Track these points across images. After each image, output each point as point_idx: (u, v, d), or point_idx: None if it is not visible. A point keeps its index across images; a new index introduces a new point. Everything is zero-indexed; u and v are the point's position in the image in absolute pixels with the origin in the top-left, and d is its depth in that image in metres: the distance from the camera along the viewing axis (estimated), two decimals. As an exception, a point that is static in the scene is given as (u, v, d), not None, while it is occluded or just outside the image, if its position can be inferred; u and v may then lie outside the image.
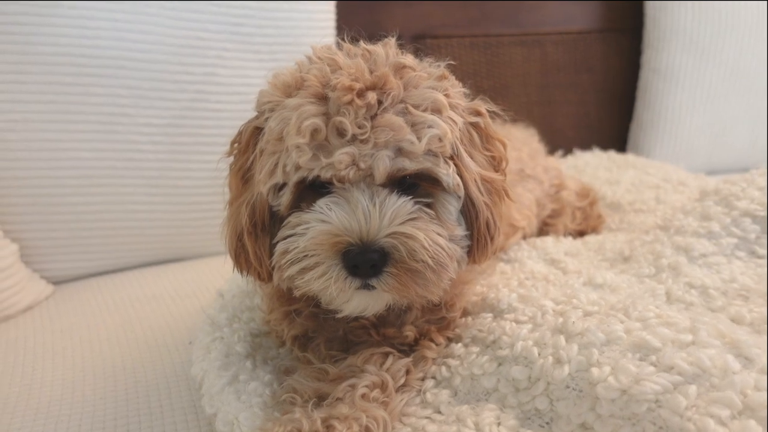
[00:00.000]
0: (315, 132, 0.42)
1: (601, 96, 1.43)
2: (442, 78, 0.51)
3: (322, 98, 0.43)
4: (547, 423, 0.40)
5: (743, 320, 0.53)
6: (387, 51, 0.50)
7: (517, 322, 0.49)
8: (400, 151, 0.43)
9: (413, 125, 0.43)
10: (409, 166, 0.44)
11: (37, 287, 0.81)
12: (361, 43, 0.52)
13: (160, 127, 0.86)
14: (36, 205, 0.81)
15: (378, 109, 0.43)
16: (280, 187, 0.44)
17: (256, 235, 0.46)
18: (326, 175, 0.43)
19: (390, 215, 0.42)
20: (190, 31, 0.85)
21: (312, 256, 0.42)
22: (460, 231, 0.46)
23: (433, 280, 0.43)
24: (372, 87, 0.43)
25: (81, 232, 0.84)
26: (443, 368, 0.49)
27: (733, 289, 0.58)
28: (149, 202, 0.87)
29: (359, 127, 0.42)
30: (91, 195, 0.84)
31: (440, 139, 0.44)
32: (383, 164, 0.43)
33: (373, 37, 1.29)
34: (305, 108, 0.42)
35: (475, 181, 0.48)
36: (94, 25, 0.81)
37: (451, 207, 0.47)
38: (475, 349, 0.49)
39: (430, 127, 0.43)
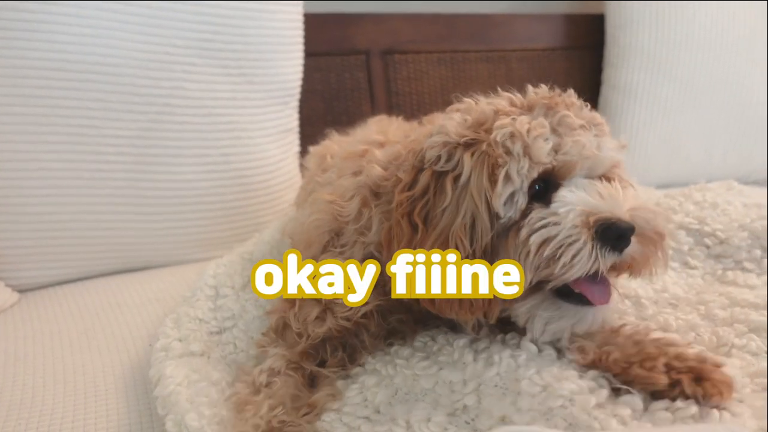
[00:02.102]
0: (542, 128, 0.47)
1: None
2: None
3: (529, 110, 0.49)
4: (473, 419, 0.43)
5: (670, 327, 0.57)
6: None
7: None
8: (609, 144, 0.50)
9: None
10: (618, 157, 0.50)
11: (2, 295, 0.82)
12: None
13: (127, 139, 0.88)
14: (2, 214, 0.82)
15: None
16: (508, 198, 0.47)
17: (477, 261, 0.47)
18: (562, 160, 0.47)
19: (621, 194, 0.47)
20: (158, 46, 0.88)
21: (571, 238, 0.45)
22: None
23: (665, 255, 0.49)
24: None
25: (47, 241, 0.86)
26: (389, 366, 0.52)
27: (664, 299, 0.63)
28: (116, 212, 0.89)
29: (579, 119, 0.48)
30: (58, 205, 0.86)
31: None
32: (608, 152, 0.49)
33: (342, 52, 1.33)
34: (522, 118, 0.48)
35: None
36: (63, 39, 0.83)
37: None
38: (421, 354, 0.52)
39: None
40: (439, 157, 0.49)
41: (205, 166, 0.94)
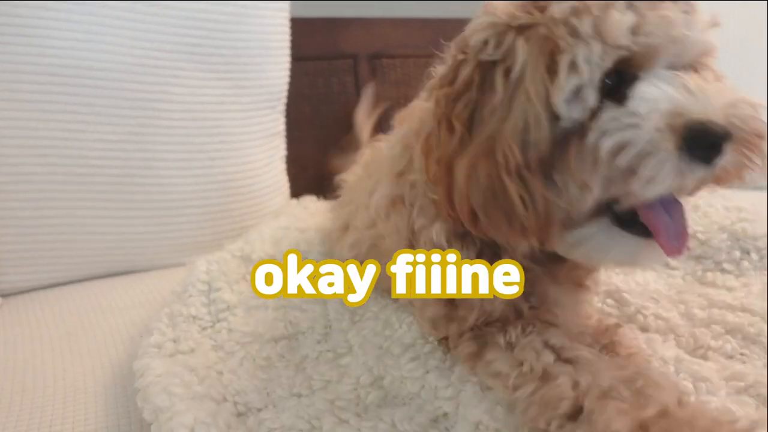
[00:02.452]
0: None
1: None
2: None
3: None
4: (451, 427, 0.43)
5: (649, 328, 0.57)
6: None
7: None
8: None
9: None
10: (709, 42, 0.40)
11: (-15, 300, 0.82)
12: None
13: (114, 143, 0.87)
14: (-15, 218, 0.82)
15: None
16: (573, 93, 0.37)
17: (530, 174, 0.37)
18: (644, 42, 0.37)
19: (711, 88, 0.37)
20: (146, 50, 0.88)
21: (653, 144, 0.35)
22: None
23: (764, 160, 0.38)
24: None
25: (31, 245, 0.86)
26: (380, 364, 0.51)
27: (647, 292, 0.63)
28: (101, 216, 0.88)
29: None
30: (43, 209, 0.85)
31: None
32: (700, 34, 0.38)
33: (330, 56, 1.33)
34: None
35: None
36: (53, 44, 0.82)
37: None
38: (410, 354, 0.53)
39: None
40: (485, 43, 0.39)
41: (190, 170, 0.94)
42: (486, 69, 0.39)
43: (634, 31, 0.37)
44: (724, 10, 1.34)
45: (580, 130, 0.38)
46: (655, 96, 0.36)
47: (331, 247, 0.78)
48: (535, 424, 0.37)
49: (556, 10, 0.37)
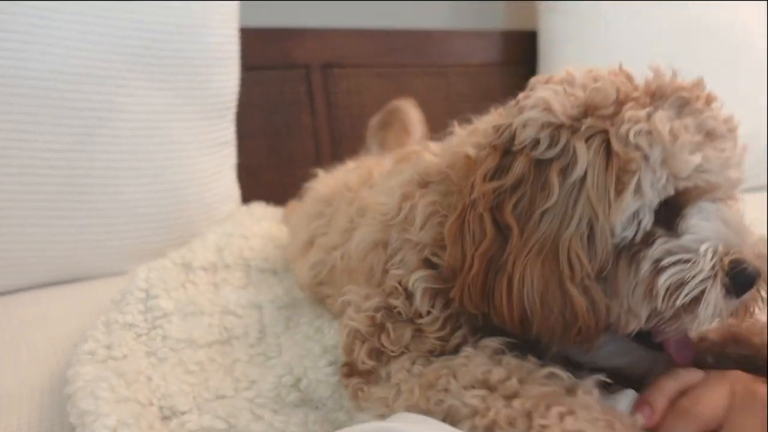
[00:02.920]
0: (685, 131, 0.37)
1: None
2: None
3: (653, 102, 0.39)
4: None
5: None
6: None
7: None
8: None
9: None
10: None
11: (-75, 310, 0.82)
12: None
13: (58, 153, 0.88)
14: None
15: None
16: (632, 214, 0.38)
17: (593, 284, 0.38)
18: (705, 180, 0.38)
19: (743, 226, 0.39)
20: (88, 61, 0.89)
21: (707, 282, 0.37)
22: None
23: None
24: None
25: (-26, 255, 0.86)
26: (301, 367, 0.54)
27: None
28: (47, 225, 0.89)
29: (723, 124, 0.39)
30: (-12, 218, 0.86)
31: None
32: (745, 166, 0.40)
33: (282, 66, 1.36)
34: (658, 114, 0.38)
35: None
36: (-7, 53, 0.83)
37: None
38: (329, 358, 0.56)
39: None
40: (538, 141, 0.39)
41: (138, 179, 0.95)
42: (541, 167, 0.39)
43: (698, 168, 0.38)
44: (651, 28, 1.42)
45: (630, 250, 0.38)
46: (707, 232, 0.38)
47: (289, 260, 0.80)
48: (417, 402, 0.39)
49: (631, 130, 0.37)
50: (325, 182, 0.79)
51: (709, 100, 0.40)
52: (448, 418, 0.36)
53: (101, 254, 0.94)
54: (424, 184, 0.48)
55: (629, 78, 0.42)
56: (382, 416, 0.40)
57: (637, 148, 0.37)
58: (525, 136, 0.40)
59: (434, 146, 0.53)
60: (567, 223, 0.38)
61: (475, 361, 0.38)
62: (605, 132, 0.38)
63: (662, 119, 0.38)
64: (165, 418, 0.49)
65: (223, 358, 0.60)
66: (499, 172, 0.40)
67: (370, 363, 0.44)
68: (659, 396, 0.39)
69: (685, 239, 0.38)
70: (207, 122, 1.03)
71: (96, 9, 0.89)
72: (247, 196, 1.18)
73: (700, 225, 0.39)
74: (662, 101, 0.39)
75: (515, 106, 0.43)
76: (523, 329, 0.39)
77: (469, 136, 0.48)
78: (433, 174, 0.47)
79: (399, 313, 0.45)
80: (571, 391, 0.36)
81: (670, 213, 0.39)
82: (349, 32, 1.37)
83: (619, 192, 0.37)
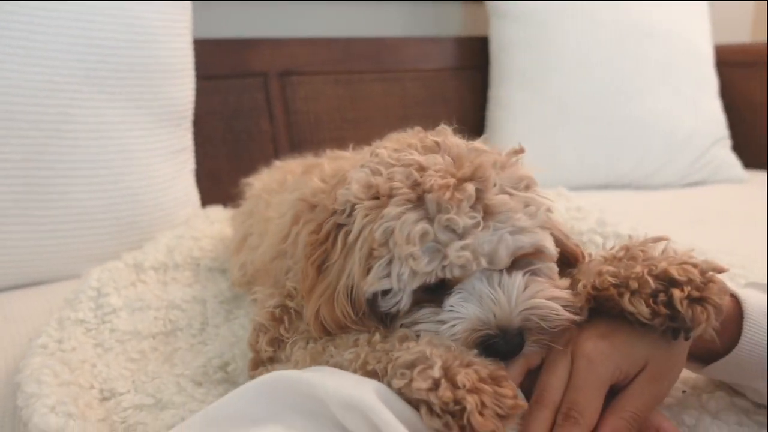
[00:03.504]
0: (424, 236, 0.42)
1: (455, 127, 1.62)
2: (517, 152, 0.51)
3: (419, 202, 0.43)
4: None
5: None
6: (453, 140, 0.51)
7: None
8: (518, 231, 0.44)
9: (524, 205, 0.45)
10: (527, 244, 0.44)
11: None
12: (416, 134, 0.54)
13: (15, 162, 0.93)
14: None
15: (478, 197, 0.43)
16: (387, 291, 0.45)
17: (361, 322, 0.47)
18: (449, 275, 0.43)
19: (515, 296, 0.43)
20: (44, 75, 0.94)
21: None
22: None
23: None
24: (469, 179, 0.44)
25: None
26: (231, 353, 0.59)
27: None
28: (5, 231, 0.93)
29: (470, 218, 0.42)
30: (-53, 226, 0.90)
31: (549, 211, 0.47)
32: (506, 247, 0.43)
33: (240, 75, 1.41)
34: (407, 216, 0.43)
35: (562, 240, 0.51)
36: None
37: (554, 270, 0.49)
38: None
39: (536, 204, 0.45)
40: (344, 210, 0.48)
41: (96, 186, 1.00)
42: (338, 229, 0.48)
43: (443, 262, 0.43)
44: (595, 35, 1.50)
45: (395, 315, 0.46)
46: (462, 311, 0.43)
47: (228, 257, 0.86)
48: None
49: (379, 227, 0.43)
50: (261, 179, 0.85)
51: (461, 198, 0.43)
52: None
53: (60, 259, 0.98)
54: (311, 207, 0.54)
55: (417, 164, 0.46)
56: None
57: (382, 242, 0.44)
58: (338, 204, 0.49)
59: (327, 167, 0.60)
60: (341, 275, 0.47)
61: (349, 335, 0.47)
62: (375, 209, 0.45)
63: (406, 222, 0.43)
64: (104, 399, 0.55)
65: (165, 347, 0.65)
66: (319, 228, 0.49)
67: (270, 350, 0.51)
68: None
69: (443, 315, 0.44)
70: (163, 130, 1.08)
71: (50, 24, 0.94)
72: (209, 200, 1.24)
73: (455, 305, 0.44)
74: (422, 202, 0.44)
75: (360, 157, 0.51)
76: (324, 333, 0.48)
77: (335, 176, 0.54)
78: (318, 199, 0.54)
79: (293, 311, 0.53)
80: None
81: (443, 289, 0.45)
82: (305, 41, 1.43)
83: (366, 272, 0.45)
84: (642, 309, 0.42)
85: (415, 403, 0.38)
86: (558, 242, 0.50)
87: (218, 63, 1.33)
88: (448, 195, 0.42)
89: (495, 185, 0.44)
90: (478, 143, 0.51)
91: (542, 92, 1.53)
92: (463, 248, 0.42)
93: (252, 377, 0.52)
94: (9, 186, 0.92)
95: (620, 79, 1.55)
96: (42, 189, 0.95)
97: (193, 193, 1.18)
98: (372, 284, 0.44)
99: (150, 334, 0.68)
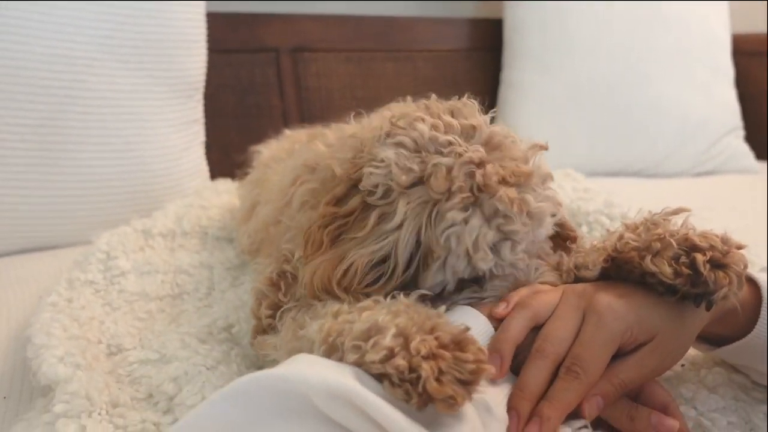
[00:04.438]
0: (487, 240, 0.45)
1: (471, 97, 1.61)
2: (542, 148, 0.50)
3: (477, 201, 0.45)
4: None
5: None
6: (485, 123, 0.50)
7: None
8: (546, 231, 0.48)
9: (553, 206, 0.48)
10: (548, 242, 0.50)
11: None
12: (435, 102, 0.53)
13: (30, 128, 0.94)
14: None
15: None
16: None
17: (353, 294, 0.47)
18: (500, 272, 0.47)
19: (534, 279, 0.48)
20: (59, 42, 0.95)
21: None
22: None
23: None
24: (517, 183, 0.46)
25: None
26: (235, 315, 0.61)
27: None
28: (20, 195, 0.95)
29: (524, 226, 0.45)
30: (-39, 188, 0.92)
31: (560, 204, 0.50)
32: (541, 248, 0.49)
33: (252, 50, 1.41)
34: (472, 222, 0.44)
35: None
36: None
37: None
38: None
39: (556, 202, 0.49)
40: (374, 191, 0.47)
41: (108, 153, 1.01)
42: (367, 209, 0.48)
43: (499, 264, 0.46)
44: (609, 18, 1.49)
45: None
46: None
47: (236, 227, 0.87)
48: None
49: (444, 230, 0.45)
50: (270, 147, 0.86)
51: (522, 207, 0.46)
52: (306, 347, 0.42)
53: (73, 224, 1.00)
54: (311, 170, 0.55)
55: (461, 165, 0.46)
56: (274, 361, 0.47)
57: (445, 244, 0.45)
58: (367, 183, 0.48)
59: (330, 134, 0.61)
60: (363, 248, 0.47)
61: (332, 304, 0.45)
62: (426, 212, 0.46)
63: (472, 228, 0.44)
64: (111, 354, 0.56)
65: (172, 309, 0.67)
66: (340, 201, 0.49)
67: (270, 316, 0.51)
68: (505, 344, 0.43)
69: (486, 293, 0.48)
70: (175, 101, 1.09)
71: (66, -7, 0.95)
72: (218, 173, 1.25)
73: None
74: (480, 204, 0.45)
75: (379, 140, 0.50)
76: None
77: (350, 138, 0.54)
78: (320, 162, 0.54)
79: (290, 275, 0.53)
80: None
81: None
82: (316, 18, 1.43)
83: (426, 267, 0.46)
84: (665, 269, 0.43)
85: (375, 377, 0.36)
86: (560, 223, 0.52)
87: (231, 37, 1.33)
88: (515, 208, 0.44)
89: (535, 191, 0.47)
90: (501, 127, 0.51)
91: (554, 75, 1.52)
92: (520, 252, 0.46)
93: (252, 345, 0.53)
94: (25, 151, 0.94)
95: (634, 64, 1.53)
96: (56, 155, 0.97)
97: (203, 165, 1.19)
98: (430, 279, 0.46)
99: (157, 296, 0.69)
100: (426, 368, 0.34)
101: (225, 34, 1.32)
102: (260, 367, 0.52)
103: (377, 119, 0.58)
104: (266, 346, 0.49)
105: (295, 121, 1.42)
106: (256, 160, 0.87)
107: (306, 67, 1.42)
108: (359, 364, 0.37)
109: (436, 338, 0.36)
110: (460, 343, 0.37)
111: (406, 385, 0.35)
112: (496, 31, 1.61)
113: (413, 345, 0.36)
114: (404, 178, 0.46)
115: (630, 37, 1.52)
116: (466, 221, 0.44)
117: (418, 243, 0.46)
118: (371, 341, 0.37)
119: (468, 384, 0.35)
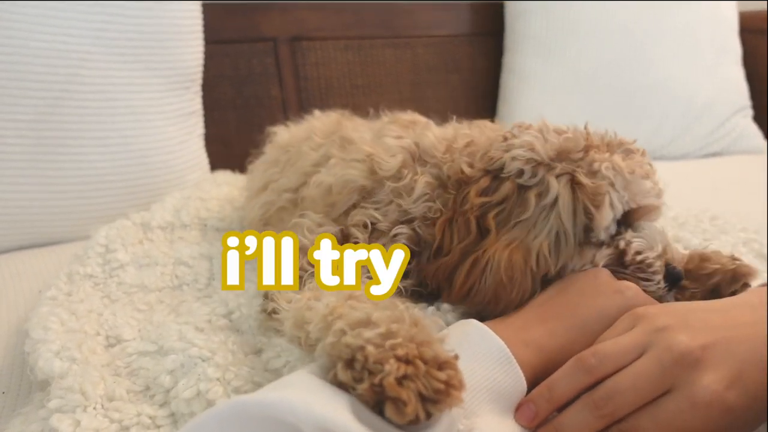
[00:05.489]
0: (641, 167, 0.53)
1: (468, 94, 1.59)
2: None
3: (611, 149, 0.53)
4: (267, 360, 0.51)
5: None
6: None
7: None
8: None
9: None
10: None
11: None
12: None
13: (26, 123, 0.94)
14: None
15: None
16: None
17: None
18: (648, 202, 0.53)
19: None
20: (52, 36, 0.94)
21: (657, 260, 0.53)
22: None
23: None
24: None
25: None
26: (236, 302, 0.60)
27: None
28: (19, 191, 0.95)
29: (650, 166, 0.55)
30: (-39, 184, 0.91)
31: None
32: None
33: (250, 39, 1.40)
34: (617, 156, 0.52)
35: None
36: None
37: None
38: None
39: None
40: (522, 172, 0.51)
41: (106, 148, 1.01)
42: (521, 190, 0.51)
43: (648, 192, 0.53)
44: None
45: (599, 246, 0.53)
46: (654, 234, 0.54)
47: (244, 203, 0.85)
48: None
49: (603, 167, 0.51)
50: (288, 131, 0.84)
51: (644, 152, 0.56)
52: (311, 319, 0.42)
53: (72, 219, 0.99)
54: (421, 161, 0.58)
55: (589, 134, 0.55)
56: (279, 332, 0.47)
57: (605, 177, 0.51)
58: (512, 167, 0.52)
59: (435, 129, 0.62)
60: (536, 232, 0.50)
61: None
62: (572, 173, 0.51)
63: (619, 160, 0.52)
64: (110, 345, 0.56)
65: (172, 300, 0.66)
66: (488, 190, 0.52)
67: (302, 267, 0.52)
68: (545, 404, 0.40)
69: (643, 233, 0.54)
70: (172, 93, 1.08)
71: (59, -15, 0.94)
72: (218, 165, 1.24)
73: (648, 227, 0.54)
74: (613, 150, 0.53)
75: (504, 142, 0.55)
76: (461, 301, 0.52)
77: (463, 143, 0.59)
78: (430, 155, 0.58)
79: (356, 241, 0.55)
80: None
81: (622, 226, 0.54)
82: (315, 6, 1.41)
83: (598, 207, 0.50)
84: None
85: (334, 361, 0.36)
86: None
87: (228, 27, 1.32)
88: (634, 147, 0.57)
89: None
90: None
91: (557, 59, 1.49)
92: (656, 183, 0.55)
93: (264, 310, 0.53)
94: (22, 146, 0.93)
95: (638, 46, 1.50)
96: (53, 150, 0.96)
97: (202, 157, 1.18)
98: (607, 216, 0.50)
99: (156, 288, 0.68)
100: (392, 365, 0.34)
101: (222, 24, 1.30)
102: (258, 351, 0.52)
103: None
104: (275, 322, 0.50)
105: (294, 110, 1.41)
106: (273, 140, 0.86)
107: (304, 57, 1.40)
108: (334, 345, 0.37)
109: (419, 350, 0.35)
110: (441, 364, 0.35)
111: (364, 372, 0.34)
112: (497, 16, 1.58)
113: (390, 343, 0.35)
114: (550, 151, 0.52)
115: (635, 19, 1.50)
116: (610, 156, 0.51)
117: (575, 210, 0.51)
118: (357, 330, 0.37)
119: (427, 400, 0.33)
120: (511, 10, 1.55)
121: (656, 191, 0.54)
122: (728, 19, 1.58)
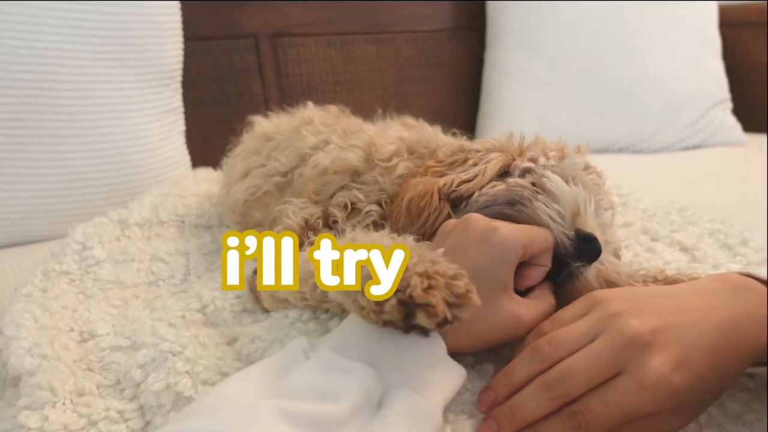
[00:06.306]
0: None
1: (451, 89, 1.60)
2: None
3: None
4: (240, 348, 0.52)
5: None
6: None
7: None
8: None
9: None
10: None
11: None
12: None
13: (2, 121, 0.93)
14: None
15: None
16: None
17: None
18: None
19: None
20: (27, 33, 0.93)
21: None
22: None
23: None
24: None
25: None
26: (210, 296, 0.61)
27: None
28: (-5, 190, 0.94)
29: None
30: (-64, 185, 0.91)
31: None
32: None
33: (231, 36, 1.39)
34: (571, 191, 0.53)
35: None
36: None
37: None
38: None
39: None
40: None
41: (84, 145, 1.00)
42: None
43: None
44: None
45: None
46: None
47: (223, 192, 0.85)
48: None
49: (564, 207, 0.52)
50: (269, 121, 0.85)
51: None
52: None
53: (51, 218, 0.99)
54: (411, 151, 0.63)
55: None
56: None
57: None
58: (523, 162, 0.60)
59: (443, 137, 0.69)
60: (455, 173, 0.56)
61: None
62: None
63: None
64: (83, 341, 0.56)
65: (147, 296, 0.66)
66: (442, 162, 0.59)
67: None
68: (503, 389, 0.41)
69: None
70: (151, 90, 1.08)
71: (33, -18, 0.93)
72: (200, 163, 1.24)
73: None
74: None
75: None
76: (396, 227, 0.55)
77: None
78: (418, 149, 0.63)
79: (335, 222, 0.58)
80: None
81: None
82: (296, 2, 1.41)
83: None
84: None
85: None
86: None
87: (208, 24, 1.31)
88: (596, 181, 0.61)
89: None
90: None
91: (539, 53, 1.50)
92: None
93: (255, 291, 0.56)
94: (-2, 144, 0.93)
95: (620, 39, 1.51)
96: (30, 148, 0.95)
97: (183, 155, 1.18)
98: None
99: (132, 284, 0.68)
100: (416, 279, 0.37)
101: (202, 21, 1.30)
102: (232, 341, 0.52)
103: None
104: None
105: (276, 107, 1.40)
106: (254, 130, 0.86)
107: (286, 53, 1.40)
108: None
109: (434, 267, 0.39)
110: (454, 275, 0.38)
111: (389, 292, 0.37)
112: (479, 11, 1.59)
113: (410, 262, 0.38)
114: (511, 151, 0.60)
115: (616, 13, 1.51)
116: (573, 193, 0.53)
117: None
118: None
119: (453, 306, 0.37)
120: (493, 4, 1.55)
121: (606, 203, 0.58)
122: (708, 13, 1.60)
